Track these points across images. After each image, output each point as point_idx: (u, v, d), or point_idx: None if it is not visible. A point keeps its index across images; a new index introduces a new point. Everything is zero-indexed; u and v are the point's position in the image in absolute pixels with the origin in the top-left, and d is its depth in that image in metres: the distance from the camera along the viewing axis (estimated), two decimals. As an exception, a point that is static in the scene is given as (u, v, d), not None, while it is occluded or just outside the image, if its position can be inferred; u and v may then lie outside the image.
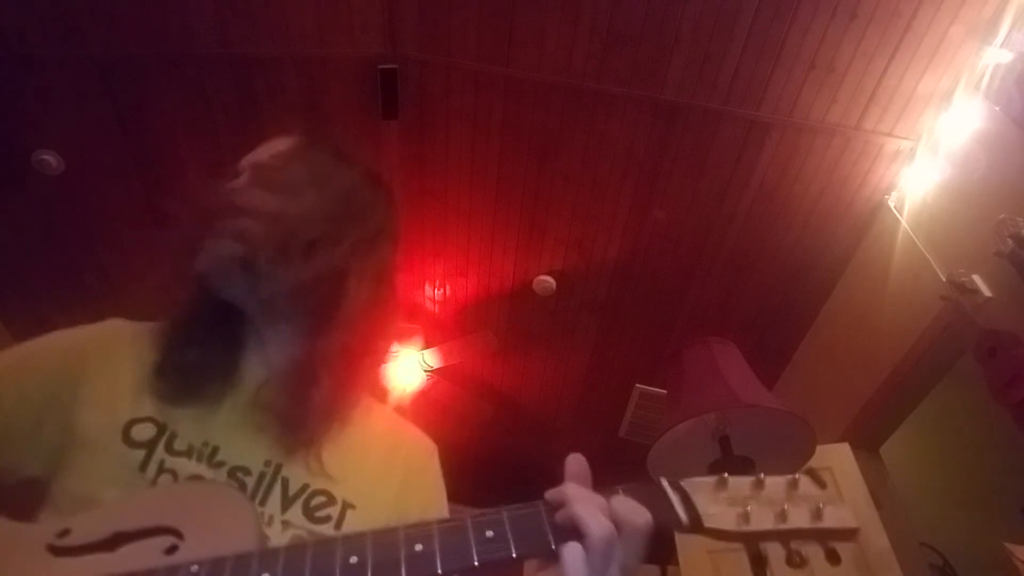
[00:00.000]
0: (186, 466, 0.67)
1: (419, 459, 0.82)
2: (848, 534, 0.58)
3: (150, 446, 0.67)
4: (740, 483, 0.59)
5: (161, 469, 0.66)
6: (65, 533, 0.57)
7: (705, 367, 1.79)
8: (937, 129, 2.22)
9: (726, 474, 0.59)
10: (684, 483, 0.59)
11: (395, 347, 3.10)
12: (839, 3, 2.08)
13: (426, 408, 3.29)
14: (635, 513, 0.53)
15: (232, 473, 0.68)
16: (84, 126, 2.48)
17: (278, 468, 0.70)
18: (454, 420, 3.42)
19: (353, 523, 0.70)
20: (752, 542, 0.58)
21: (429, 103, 2.61)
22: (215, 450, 0.69)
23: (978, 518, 2.55)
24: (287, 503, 0.69)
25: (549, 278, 3.08)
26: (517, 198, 2.82)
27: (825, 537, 0.58)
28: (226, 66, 2.41)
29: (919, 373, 2.21)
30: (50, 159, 2.51)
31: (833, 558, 0.58)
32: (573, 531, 0.52)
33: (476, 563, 0.52)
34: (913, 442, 2.64)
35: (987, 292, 1.83)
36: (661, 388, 3.37)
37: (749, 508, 0.57)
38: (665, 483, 0.58)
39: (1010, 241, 1.65)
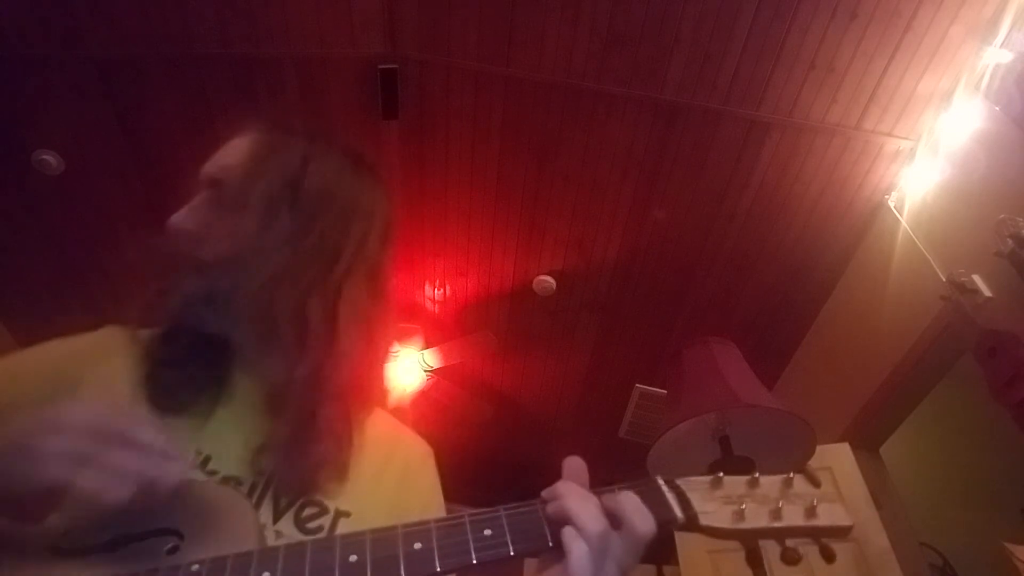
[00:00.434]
0: None
1: (415, 463, 0.81)
2: (842, 531, 0.58)
3: None
4: (735, 482, 0.60)
5: None
6: (66, 535, 0.57)
7: (705, 367, 1.78)
8: (937, 129, 2.21)
9: (721, 473, 0.60)
10: (680, 481, 0.59)
11: (395, 348, 3.10)
12: (839, 3, 2.08)
13: (426, 408, 3.30)
14: (640, 515, 0.54)
15: (224, 482, 0.68)
16: (84, 126, 2.49)
17: (270, 479, 0.69)
18: (454, 420, 3.43)
19: (347, 530, 0.68)
20: (748, 539, 0.58)
21: (429, 103, 2.61)
22: (207, 459, 0.68)
23: (978, 518, 2.55)
24: (278, 514, 0.68)
25: (549, 278, 3.08)
26: (517, 198, 2.82)
27: (819, 534, 0.58)
28: (226, 66, 2.41)
29: (919, 373, 2.21)
30: (50, 159, 2.51)
31: (828, 555, 0.59)
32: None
33: (474, 561, 0.52)
34: (913, 442, 2.64)
35: (987, 292, 1.83)
36: (661, 388, 3.37)
37: (744, 506, 0.58)
38: (661, 481, 0.59)
39: (1010, 241, 1.65)
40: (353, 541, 0.53)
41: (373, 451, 0.76)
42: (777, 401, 1.70)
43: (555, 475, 0.61)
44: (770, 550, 0.59)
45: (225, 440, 0.70)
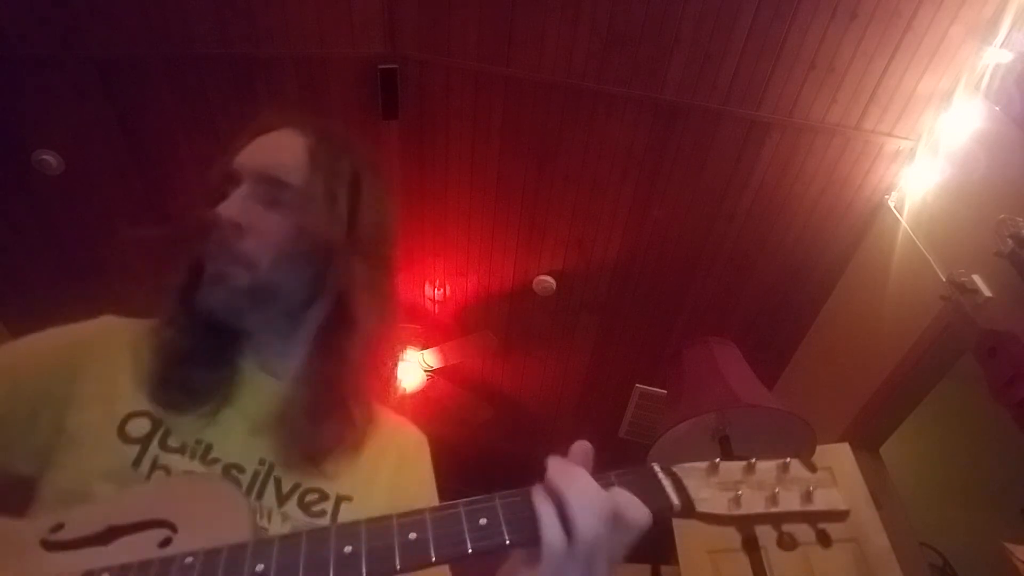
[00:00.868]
0: (179, 463, 0.67)
1: (411, 450, 0.84)
2: (839, 516, 0.58)
3: (144, 442, 0.67)
4: (731, 468, 0.60)
5: (155, 465, 0.66)
6: (58, 527, 0.57)
7: (705, 367, 1.79)
8: (937, 129, 2.22)
9: (718, 459, 0.60)
10: (676, 468, 0.60)
11: (400, 349, 3.10)
12: (839, 3, 2.08)
13: (426, 408, 3.30)
14: (634, 508, 0.54)
15: (226, 470, 0.68)
16: (84, 126, 2.49)
17: (271, 467, 0.70)
18: (454, 420, 3.42)
19: (348, 515, 0.71)
20: (744, 525, 0.58)
21: (429, 103, 2.61)
22: (209, 447, 0.69)
23: (978, 518, 2.55)
24: (282, 499, 0.69)
25: (549, 278, 3.08)
26: (517, 198, 2.82)
27: (816, 519, 0.58)
28: (226, 66, 2.41)
29: (919, 373, 2.21)
30: (50, 159, 2.51)
31: (824, 540, 0.59)
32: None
33: (470, 550, 0.52)
34: (913, 442, 2.64)
35: (987, 292, 1.83)
36: (661, 388, 3.37)
37: (740, 492, 0.58)
38: (657, 468, 0.59)
39: (1010, 241, 1.65)
40: (348, 531, 0.53)
41: (372, 439, 0.78)
42: (777, 401, 1.70)
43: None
44: (766, 536, 0.59)
45: (227, 429, 0.70)
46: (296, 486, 0.70)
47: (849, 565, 1.97)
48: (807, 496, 0.58)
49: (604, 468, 0.60)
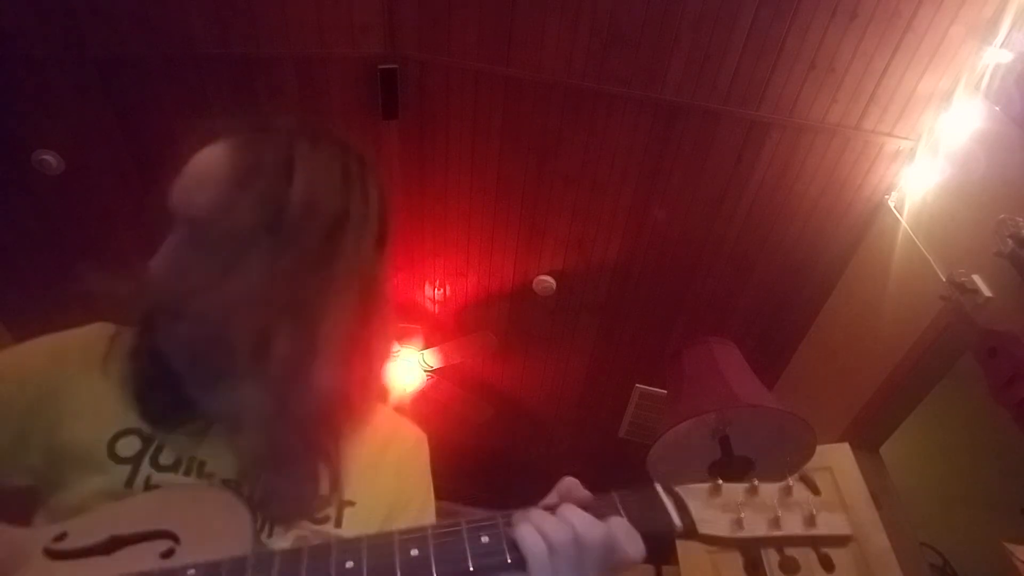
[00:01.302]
0: (173, 480, 0.65)
1: (410, 449, 0.83)
2: (842, 541, 0.58)
3: (136, 461, 0.65)
4: (734, 489, 0.60)
5: (148, 485, 0.64)
6: (62, 537, 0.57)
7: (705, 367, 1.79)
8: (937, 129, 2.21)
9: (720, 480, 0.60)
10: (679, 489, 0.59)
11: (395, 348, 3.10)
12: (839, 3, 2.08)
13: (426, 408, 3.30)
14: (629, 540, 0.54)
15: (223, 485, 0.67)
16: (84, 126, 2.48)
17: (264, 492, 0.68)
18: (454, 420, 3.42)
19: (352, 519, 0.70)
20: (747, 548, 0.58)
21: (429, 103, 2.61)
22: (203, 463, 0.67)
23: (978, 518, 2.55)
24: None
25: (549, 278, 3.08)
26: (517, 198, 2.82)
27: (818, 544, 0.58)
28: (226, 66, 2.41)
29: (919, 373, 2.21)
30: (50, 159, 2.51)
31: (827, 564, 0.59)
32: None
33: (471, 569, 0.52)
34: (913, 442, 2.64)
35: (987, 292, 1.83)
36: (661, 388, 3.37)
37: (743, 514, 0.58)
38: (660, 489, 0.59)
39: (1010, 241, 1.65)
40: (349, 547, 0.53)
41: (371, 441, 0.77)
42: (777, 401, 1.70)
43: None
44: (770, 557, 0.59)
45: (221, 445, 0.69)
46: (291, 524, 0.68)
47: (849, 565, 1.97)
48: (810, 520, 0.58)
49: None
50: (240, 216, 0.66)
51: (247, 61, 2.40)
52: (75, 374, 0.69)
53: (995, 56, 1.99)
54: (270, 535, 0.66)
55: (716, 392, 1.68)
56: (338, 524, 0.69)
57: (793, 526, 0.58)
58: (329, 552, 0.52)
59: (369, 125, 2.61)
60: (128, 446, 0.66)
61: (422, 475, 0.82)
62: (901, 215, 2.35)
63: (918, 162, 2.31)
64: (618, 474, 0.63)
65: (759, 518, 0.58)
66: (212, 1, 2.22)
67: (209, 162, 0.72)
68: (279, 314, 0.65)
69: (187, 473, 0.66)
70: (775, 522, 0.58)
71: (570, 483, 0.58)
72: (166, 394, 0.67)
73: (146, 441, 0.67)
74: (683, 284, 2.98)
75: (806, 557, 0.59)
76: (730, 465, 1.61)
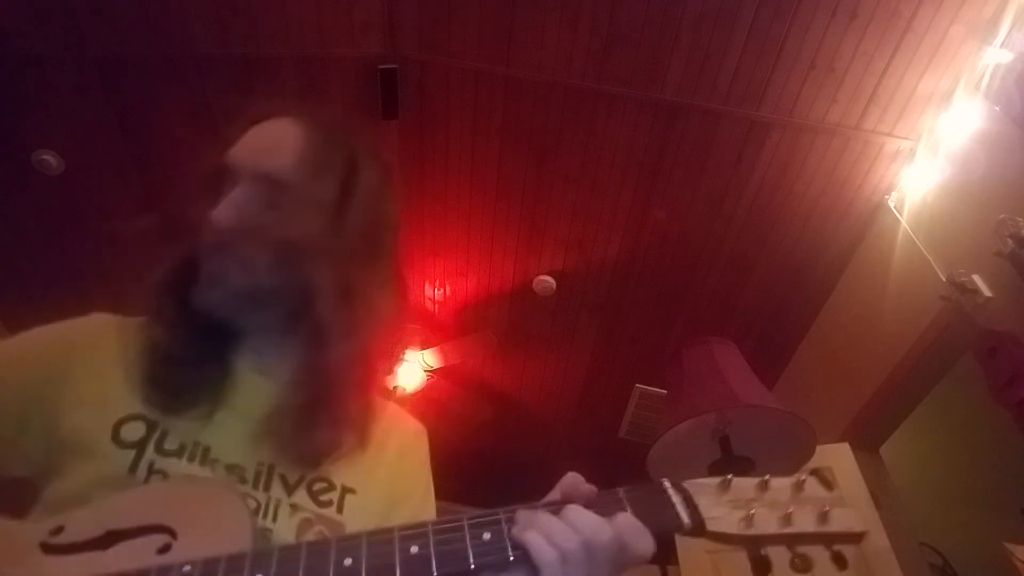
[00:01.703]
0: (177, 466, 0.65)
1: (410, 441, 0.84)
2: (855, 538, 0.57)
3: (140, 446, 0.65)
4: (744, 485, 0.58)
5: (152, 470, 0.64)
6: (58, 531, 0.57)
7: (705, 367, 1.78)
8: (937, 129, 2.21)
9: (730, 476, 0.58)
10: (687, 484, 0.58)
11: (400, 349, 3.10)
12: (839, 3, 2.08)
13: (426, 408, 3.30)
14: (638, 537, 0.53)
15: (228, 471, 0.68)
16: (84, 126, 2.48)
17: (272, 466, 0.70)
18: (454, 420, 3.42)
19: (353, 506, 0.71)
20: (755, 546, 0.57)
21: (429, 103, 2.61)
22: (207, 449, 0.68)
23: (978, 518, 2.55)
24: (290, 489, 0.69)
25: (549, 278, 3.07)
26: (517, 198, 2.82)
27: (831, 541, 0.57)
28: (226, 66, 2.41)
29: (919, 373, 2.21)
30: (50, 159, 2.51)
31: (839, 562, 0.57)
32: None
33: (472, 566, 0.51)
34: (913, 442, 2.64)
35: (987, 292, 1.83)
36: (661, 388, 3.37)
37: (753, 511, 0.56)
38: (668, 484, 0.58)
39: (1010, 241, 1.65)
40: (349, 544, 0.52)
41: (373, 432, 0.78)
42: (777, 401, 1.70)
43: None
44: (778, 556, 0.58)
45: (225, 430, 0.69)
46: (302, 477, 0.70)
47: (849, 565, 1.97)
48: (823, 516, 0.56)
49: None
50: (322, 190, 0.73)
51: (247, 61, 2.40)
52: (78, 362, 0.69)
53: (995, 56, 1.99)
54: (275, 519, 0.66)
55: (716, 392, 1.68)
56: (340, 510, 0.70)
57: (806, 523, 0.56)
58: (328, 549, 0.52)
59: (369, 125, 2.61)
60: (132, 431, 0.66)
61: (422, 467, 0.83)
62: (901, 215, 2.35)
63: (918, 162, 2.31)
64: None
65: (770, 515, 0.56)
66: (212, 1, 2.22)
67: (287, 132, 0.76)
68: (326, 279, 0.71)
69: (191, 459, 0.66)
70: (787, 519, 0.56)
71: (574, 479, 0.58)
72: (172, 380, 0.68)
73: (150, 427, 0.67)
74: (683, 284, 2.98)
75: (817, 555, 0.57)
76: (730, 465, 1.61)
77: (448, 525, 0.53)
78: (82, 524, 0.57)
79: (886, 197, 2.46)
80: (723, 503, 0.57)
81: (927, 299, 2.07)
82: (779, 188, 2.56)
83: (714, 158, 2.53)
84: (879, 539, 1.98)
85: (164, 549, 0.56)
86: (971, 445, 2.69)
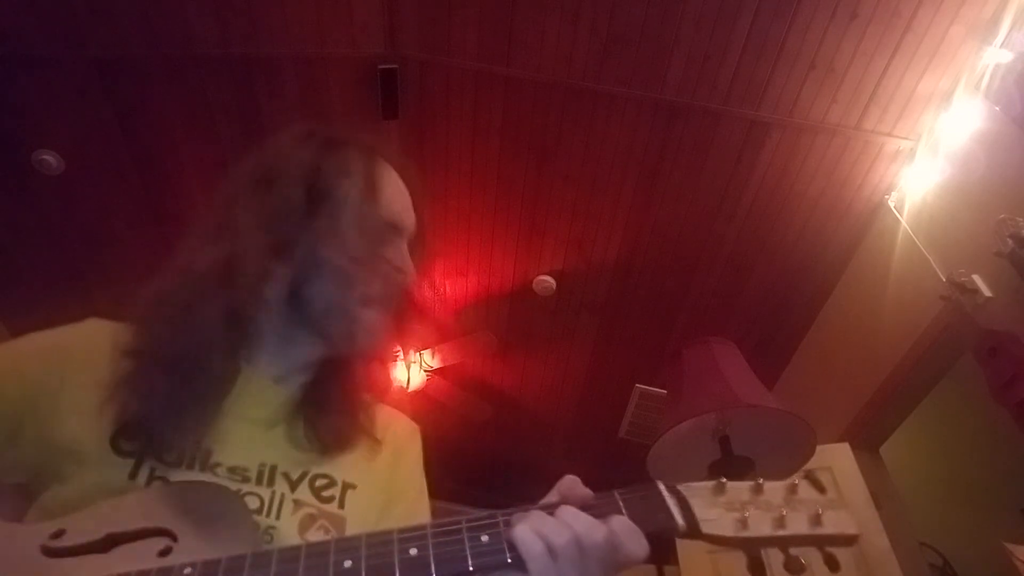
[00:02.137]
0: (177, 474, 0.65)
1: (404, 439, 0.86)
2: (848, 540, 0.57)
3: (139, 454, 0.65)
4: (738, 488, 0.59)
5: (152, 477, 0.64)
6: (59, 534, 0.57)
7: (705, 367, 1.78)
8: (937, 129, 2.21)
9: (724, 479, 0.59)
10: (682, 488, 0.58)
11: (398, 348, 3.10)
12: (839, 3, 2.08)
13: (426, 408, 3.30)
14: (633, 539, 0.53)
15: (230, 473, 0.68)
16: (84, 126, 2.48)
17: (274, 467, 0.70)
18: (454, 420, 3.42)
19: (354, 501, 0.73)
20: (750, 548, 0.57)
21: (429, 103, 2.61)
22: (208, 453, 0.68)
23: (978, 518, 2.55)
24: (293, 485, 0.70)
25: (549, 278, 3.08)
26: (517, 198, 2.82)
27: (824, 543, 0.57)
28: (226, 66, 2.41)
29: (919, 373, 2.21)
30: (50, 159, 2.51)
31: (832, 564, 0.58)
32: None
33: (471, 568, 0.51)
34: (913, 442, 2.64)
35: (987, 292, 1.83)
36: (661, 388, 3.37)
37: (747, 513, 0.57)
38: (662, 488, 0.58)
39: (1010, 241, 1.65)
40: (348, 546, 0.52)
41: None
42: (777, 401, 1.70)
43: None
44: (773, 557, 0.58)
45: (226, 433, 0.69)
46: (304, 473, 0.71)
47: (849, 565, 1.97)
48: (816, 519, 0.57)
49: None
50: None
51: (247, 61, 2.40)
52: (76, 369, 0.69)
53: (995, 56, 1.99)
54: (278, 516, 0.67)
55: (716, 392, 1.68)
56: (341, 505, 0.71)
57: (799, 525, 0.57)
58: (327, 551, 0.52)
59: (369, 125, 2.61)
60: (131, 439, 0.66)
61: (415, 465, 0.85)
62: (901, 215, 2.35)
63: (918, 162, 2.31)
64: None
65: (764, 517, 0.57)
66: (212, 1, 2.22)
67: (405, 190, 0.85)
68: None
69: (191, 464, 0.66)
70: (780, 521, 0.57)
71: (570, 481, 0.58)
72: (170, 387, 0.67)
73: (149, 434, 0.66)
74: (683, 284, 2.98)
75: (811, 557, 0.58)
76: (730, 465, 1.61)
77: (446, 527, 0.54)
78: (83, 527, 0.57)
79: (886, 197, 2.46)
80: (717, 506, 0.57)
81: (927, 299, 2.07)
82: (779, 188, 2.56)
83: (714, 158, 2.53)
84: (879, 539, 1.98)
85: (165, 552, 0.56)
86: (971, 445, 2.69)
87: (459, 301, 3.29)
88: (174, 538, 0.56)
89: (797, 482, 0.59)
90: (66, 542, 0.56)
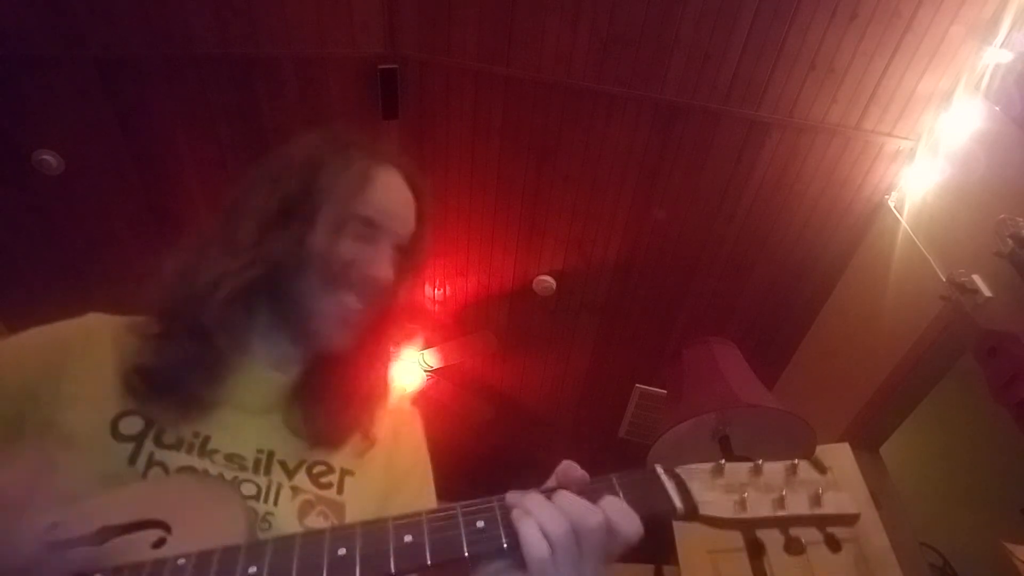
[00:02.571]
0: (176, 458, 0.66)
1: (404, 422, 0.86)
2: (848, 520, 0.56)
3: (139, 439, 0.66)
4: (737, 469, 0.58)
5: (151, 462, 0.65)
6: (53, 527, 0.57)
7: (705, 367, 1.78)
8: (937, 129, 2.21)
9: (723, 460, 0.58)
10: (680, 470, 0.58)
11: (397, 347, 3.09)
12: (839, 3, 2.08)
13: (426, 408, 3.29)
14: (624, 517, 0.53)
15: (227, 460, 0.68)
16: (84, 126, 2.48)
17: (271, 454, 0.71)
18: (454, 420, 3.42)
19: (352, 487, 0.73)
20: (749, 529, 0.57)
21: (429, 103, 2.61)
22: (206, 439, 0.69)
23: (978, 518, 2.55)
24: (291, 473, 0.70)
25: (549, 278, 3.08)
26: (517, 198, 2.82)
27: (824, 523, 0.57)
28: (226, 66, 2.41)
29: (919, 373, 2.21)
30: (50, 159, 2.51)
31: (833, 544, 0.57)
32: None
33: (467, 554, 0.51)
34: (913, 442, 2.64)
35: (987, 292, 1.83)
36: (661, 388, 3.37)
37: (746, 495, 0.56)
38: (660, 470, 0.58)
39: (1010, 241, 1.65)
40: (343, 534, 0.52)
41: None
42: (777, 401, 1.70)
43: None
44: (772, 540, 0.58)
45: (224, 420, 0.70)
46: (302, 461, 0.72)
47: (849, 565, 1.97)
48: (816, 499, 0.56)
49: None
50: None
51: (247, 61, 2.40)
52: (76, 360, 0.70)
53: (995, 56, 1.99)
54: (276, 503, 0.67)
55: (716, 392, 1.68)
56: (340, 491, 0.72)
57: (799, 506, 0.56)
58: (322, 539, 0.52)
59: (369, 125, 2.61)
60: (131, 425, 0.67)
61: (419, 444, 0.85)
62: (901, 215, 2.35)
63: (918, 162, 2.31)
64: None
65: (763, 498, 0.56)
66: (212, 1, 2.22)
67: (408, 197, 0.85)
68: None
69: (190, 450, 0.67)
70: (780, 502, 0.56)
71: (566, 466, 0.58)
72: (171, 377, 0.69)
73: (149, 420, 0.68)
74: (683, 284, 2.98)
75: (811, 537, 0.57)
76: (730, 465, 1.61)
77: (442, 514, 0.53)
78: (76, 520, 0.57)
79: (886, 197, 2.46)
80: (716, 487, 0.57)
81: (927, 299, 2.07)
82: (779, 188, 2.56)
83: (714, 158, 2.53)
84: (879, 539, 1.98)
85: (159, 543, 0.56)
86: (971, 445, 2.69)
87: (459, 301, 3.29)
88: (168, 530, 0.56)
89: (797, 463, 0.59)
90: (59, 535, 0.56)
